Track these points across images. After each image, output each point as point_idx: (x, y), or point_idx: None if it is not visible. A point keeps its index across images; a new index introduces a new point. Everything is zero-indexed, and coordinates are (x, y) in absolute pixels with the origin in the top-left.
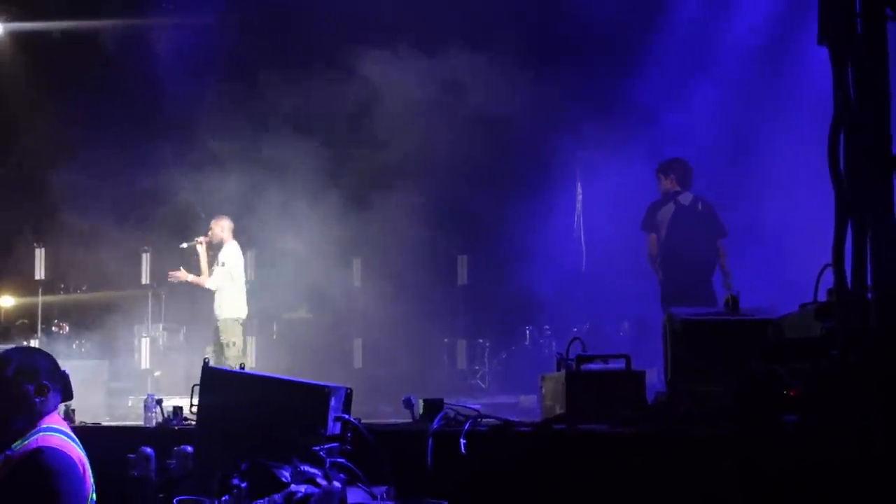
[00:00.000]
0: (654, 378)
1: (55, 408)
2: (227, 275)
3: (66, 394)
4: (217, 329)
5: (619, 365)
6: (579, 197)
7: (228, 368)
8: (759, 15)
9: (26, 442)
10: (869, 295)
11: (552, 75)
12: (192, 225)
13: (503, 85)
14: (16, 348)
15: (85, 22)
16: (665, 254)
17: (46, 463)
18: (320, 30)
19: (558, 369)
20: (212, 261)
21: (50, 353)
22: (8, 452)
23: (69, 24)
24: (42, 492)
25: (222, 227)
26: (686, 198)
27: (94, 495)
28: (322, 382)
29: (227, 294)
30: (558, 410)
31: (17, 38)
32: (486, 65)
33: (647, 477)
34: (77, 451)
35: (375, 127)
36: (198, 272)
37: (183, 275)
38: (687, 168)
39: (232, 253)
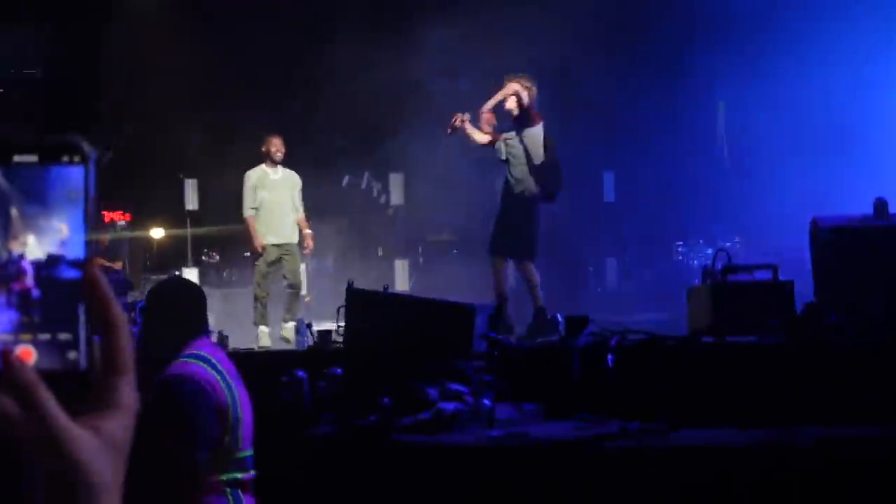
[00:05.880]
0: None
1: (203, 335)
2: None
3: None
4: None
5: (766, 276)
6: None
7: (371, 290)
8: None
9: (167, 369)
10: None
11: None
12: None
13: None
14: (165, 280)
15: None
16: None
17: (173, 390)
18: None
19: (704, 281)
20: None
21: (198, 283)
22: (154, 381)
23: None
24: (168, 418)
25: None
26: None
27: (242, 413)
28: (467, 301)
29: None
30: (705, 323)
31: None
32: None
33: (798, 386)
34: (210, 375)
35: None
36: None
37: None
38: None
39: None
